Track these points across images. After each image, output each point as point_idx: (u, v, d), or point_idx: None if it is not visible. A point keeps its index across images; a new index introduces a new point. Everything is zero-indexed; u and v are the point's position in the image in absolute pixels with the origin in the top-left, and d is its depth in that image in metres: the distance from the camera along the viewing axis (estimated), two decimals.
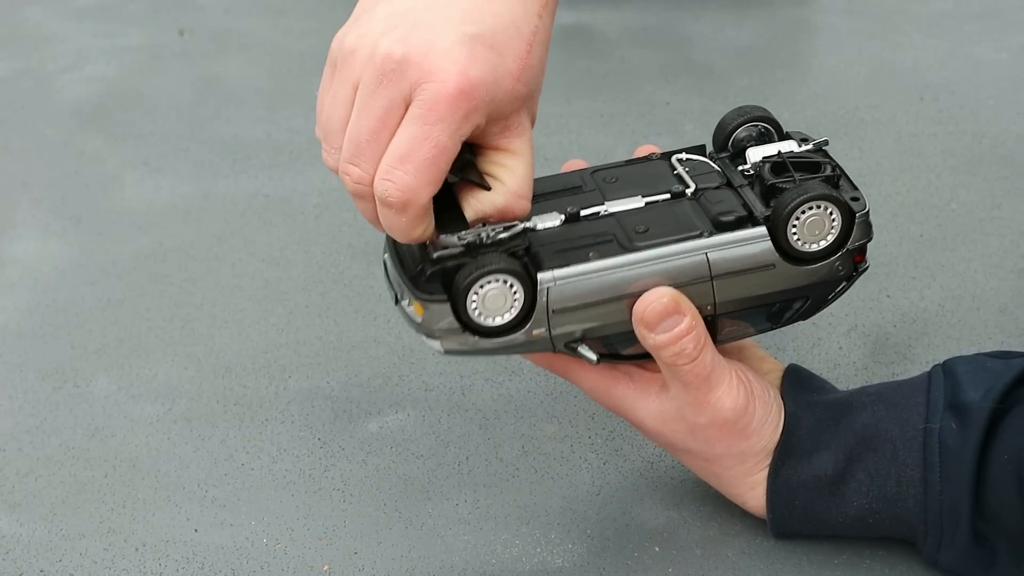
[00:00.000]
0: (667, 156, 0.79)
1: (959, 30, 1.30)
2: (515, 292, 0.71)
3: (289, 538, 0.81)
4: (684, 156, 0.79)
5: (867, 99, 1.20)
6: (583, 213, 0.75)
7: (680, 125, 1.18)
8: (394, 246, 0.75)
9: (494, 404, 0.90)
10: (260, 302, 0.99)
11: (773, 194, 0.74)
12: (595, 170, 0.79)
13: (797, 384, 0.78)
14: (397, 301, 0.74)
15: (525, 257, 0.73)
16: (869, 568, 0.78)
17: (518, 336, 0.73)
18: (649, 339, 0.72)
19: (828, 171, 0.74)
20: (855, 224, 0.74)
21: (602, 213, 0.75)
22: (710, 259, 0.73)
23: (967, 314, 0.95)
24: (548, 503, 0.83)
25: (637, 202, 0.76)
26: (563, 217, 0.75)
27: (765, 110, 0.79)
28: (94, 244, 1.06)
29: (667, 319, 0.72)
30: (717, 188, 0.76)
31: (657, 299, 0.72)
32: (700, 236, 0.73)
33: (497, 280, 0.71)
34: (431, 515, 0.82)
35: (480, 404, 0.90)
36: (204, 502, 0.84)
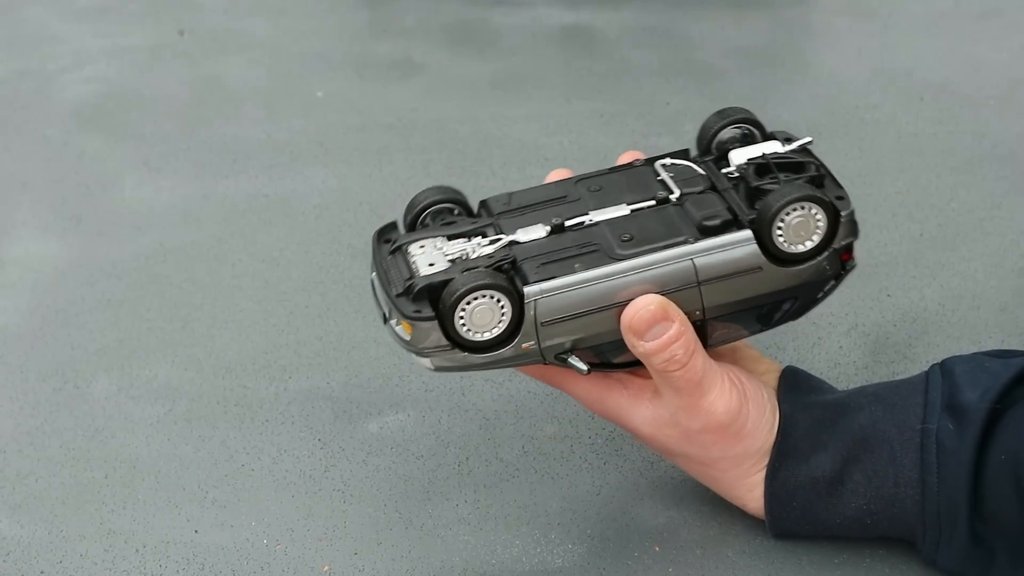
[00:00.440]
0: (651, 162, 0.79)
1: (959, 30, 1.30)
2: (502, 307, 0.71)
3: (289, 539, 0.81)
4: (668, 161, 0.78)
5: (867, 99, 1.20)
6: (568, 223, 0.75)
7: (680, 125, 1.18)
8: (380, 265, 0.75)
9: (494, 404, 0.90)
10: (260, 302, 1.00)
11: (758, 196, 0.73)
12: (579, 179, 0.79)
13: (794, 385, 0.78)
14: (385, 320, 0.75)
15: (511, 271, 0.72)
16: (869, 567, 0.78)
17: (507, 350, 0.73)
18: (639, 347, 0.72)
19: (812, 171, 0.74)
20: (840, 223, 0.73)
21: (587, 223, 0.75)
22: (696, 264, 0.72)
23: (967, 313, 0.95)
24: (548, 503, 0.83)
25: (622, 210, 0.75)
26: (548, 228, 0.74)
27: (747, 111, 0.79)
28: (94, 244, 1.06)
29: (655, 326, 0.72)
30: (702, 192, 0.75)
31: (644, 307, 0.72)
32: (686, 242, 0.72)
33: (484, 295, 0.71)
34: (431, 515, 0.82)
35: (480, 404, 0.90)
36: (204, 503, 0.84)
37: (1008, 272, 0.99)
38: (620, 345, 0.73)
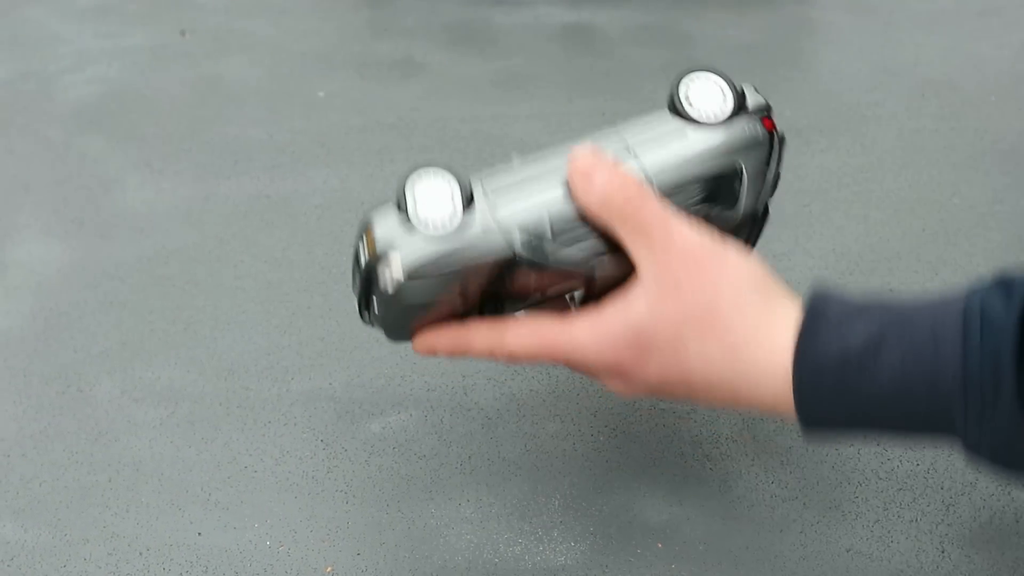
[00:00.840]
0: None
1: (960, 27, 1.30)
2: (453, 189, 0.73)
3: (292, 540, 0.81)
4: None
5: (869, 96, 1.20)
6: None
7: None
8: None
9: (496, 403, 0.90)
10: (262, 303, 1.00)
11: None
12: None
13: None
14: (364, 316, 0.76)
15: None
16: (875, 559, 0.78)
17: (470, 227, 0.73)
18: (594, 190, 0.72)
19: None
20: (745, 91, 0.77)
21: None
22: (628, 141, 0.75)
23: None
24: (550, 501, 0.83)
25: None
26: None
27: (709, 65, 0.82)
28: (96, 247, 1.06)
29: (599, 162, 0.72)
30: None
31: (581, 149, 0.73)
32: (615, 130, 0.76)
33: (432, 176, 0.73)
34: (434, 515, 0.82)
35: (482, 403, 0.90)
36: (207, 505, 0.84)
37: (1010, 267, 0.99)
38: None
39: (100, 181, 1.14)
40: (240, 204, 1.10)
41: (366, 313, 0.76)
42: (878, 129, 1.16)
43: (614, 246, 0.74)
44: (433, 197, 0.73)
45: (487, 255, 0.72)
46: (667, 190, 0.75)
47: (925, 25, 1.30)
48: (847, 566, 0.78)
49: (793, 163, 1.05)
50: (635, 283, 0.72)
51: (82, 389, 0.93)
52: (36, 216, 1.10)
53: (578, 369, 0.74)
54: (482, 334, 0.75)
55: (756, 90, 0.78)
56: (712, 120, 0.76)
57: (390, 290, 0.72)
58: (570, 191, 0.73)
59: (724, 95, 0.77)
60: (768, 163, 0.78)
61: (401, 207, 0.72)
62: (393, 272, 0.72)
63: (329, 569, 0.79)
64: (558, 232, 0.73)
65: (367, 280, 0.73)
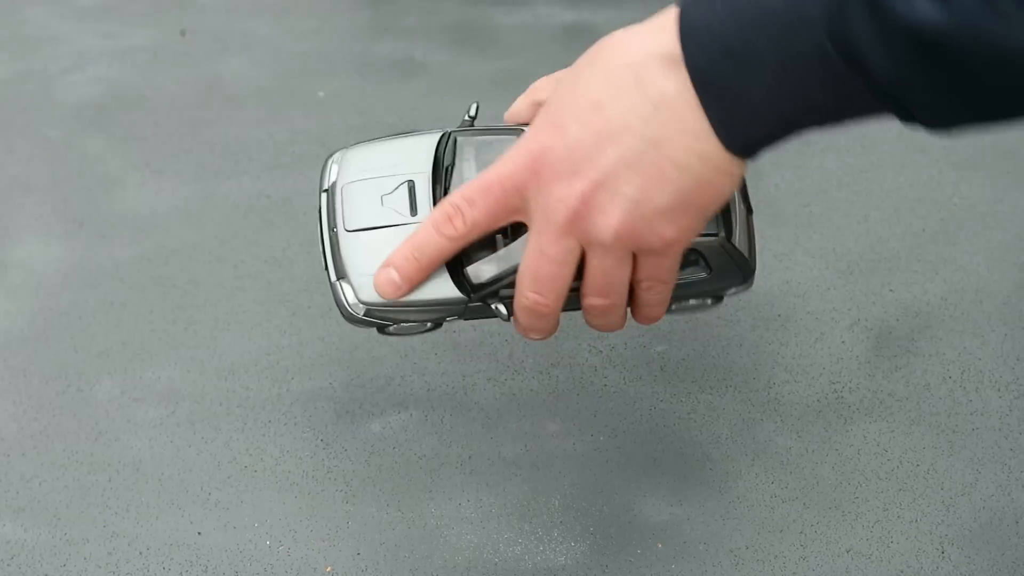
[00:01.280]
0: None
1: None
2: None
3: (292, 540, 0.81)
4: None
5: None
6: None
7: None
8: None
9: (496, 403, 0.90)
10: (263, 303, 1.00)
11: None
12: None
13: None
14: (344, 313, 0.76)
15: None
16: (873, 559, 0.78)
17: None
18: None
19: None
20: None
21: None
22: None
23: (969, 307, 0.95)
24: (550, 501, 0.83)
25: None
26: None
27: None
28: (96, 247, 1.06)
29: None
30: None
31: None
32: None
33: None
34: (433, 515, 0.82)
35: (482, 403, 0.90)
36: (207, 505, 0.84)
37: (1010, 267, 0.99)
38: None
39: (100, 181, 1.14)
40: (240, 204, 1.10)
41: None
42: (878, 128, 1.15)
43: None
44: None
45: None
46: None
47: None
48: (847, 566, 0.78)
49: (793, 163, 1.05)
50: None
51: (82, 389, 0.93)
52: (36, 216, 1.10)
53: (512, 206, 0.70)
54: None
55: None
56: None
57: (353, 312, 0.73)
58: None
59: None
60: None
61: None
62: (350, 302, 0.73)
63: (329, 569, 0.79)
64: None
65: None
